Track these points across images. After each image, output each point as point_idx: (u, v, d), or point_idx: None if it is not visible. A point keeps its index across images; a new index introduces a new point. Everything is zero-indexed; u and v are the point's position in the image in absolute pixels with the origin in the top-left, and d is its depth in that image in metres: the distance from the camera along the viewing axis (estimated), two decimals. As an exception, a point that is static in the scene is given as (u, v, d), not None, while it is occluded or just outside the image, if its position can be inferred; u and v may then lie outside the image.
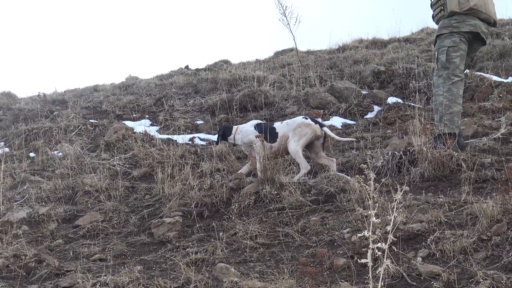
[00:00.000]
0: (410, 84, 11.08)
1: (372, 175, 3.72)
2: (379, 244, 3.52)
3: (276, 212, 5.96)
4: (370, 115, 10.24)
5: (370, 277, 3.55)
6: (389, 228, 3.61)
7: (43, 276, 4.88)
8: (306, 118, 7.06)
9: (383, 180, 4.31)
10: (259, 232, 5.52)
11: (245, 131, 7.31)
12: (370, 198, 3.65)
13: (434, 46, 7.23)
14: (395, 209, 3.66)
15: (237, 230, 5.63)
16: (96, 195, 7.17)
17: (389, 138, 8.36)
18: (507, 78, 11.02)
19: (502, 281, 3.81)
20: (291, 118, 7.89)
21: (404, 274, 4.23)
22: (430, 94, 10.00)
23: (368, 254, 3.54)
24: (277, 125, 7.21)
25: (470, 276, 4.03)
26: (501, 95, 9.66)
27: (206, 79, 13.48)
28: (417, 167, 6.33)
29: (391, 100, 10.65)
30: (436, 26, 7.36)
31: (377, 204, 4.10)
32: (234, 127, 7.54)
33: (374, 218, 3.65)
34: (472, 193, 5.44)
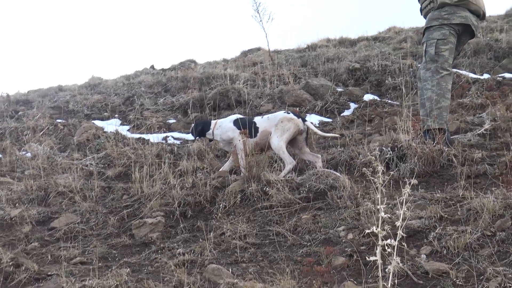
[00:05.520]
0: (386, 81, 10.96)
1: (380, 168, 3.54)
2: (388, 241, 3.34)
3: (264, 210, 5.73)
4: (347, 113, 10.06)
5: (380, 275, 3.37)
6: (398, 223, 3.43)
7: (22, 281, 4.59)
8: (288, 113, 6.84)
9: (392, 172, 4.12)
10: (248, 232, 5.28)
11: (224, 126, 7.04)
12: (378, 192, 3.47)
13: (422, 38, 7.05)
14: (404, 203, 3.48)
15: (224, 229, 5.37)
16: (71, 196, 6.84)
17: (370, 135, 8.18)
18: (482, 75, 10.98)
19: (513, 278, 3.65)
20: (266, 114, 7.67)
21: (409, 272, 4.04)
22: (407, 91, 9.90)
23: (377, 251, 3.37)
24: (257, 119, 6.96)
25: (479, 273, 3.86)
26: (478, 92, 9.59)
27: (176, 77, 13.20)
28: (406, 163, 6.16)
29: (368, 97, 10.51)
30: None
31: (385, 198, 3.91)
32: (213, 122, 7.25)
33: (383, 213, 3.46)
34: (465, 188, 5.30)
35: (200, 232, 5.51)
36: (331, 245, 4.72)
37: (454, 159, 6.07)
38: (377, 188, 3.49)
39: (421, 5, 7.08)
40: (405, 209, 3.52)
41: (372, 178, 3.53)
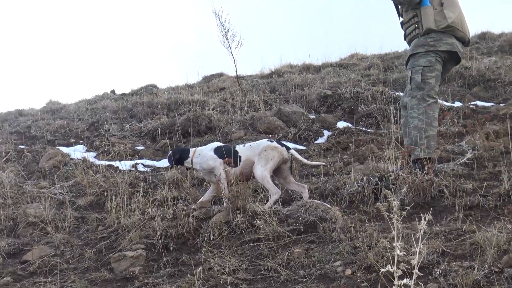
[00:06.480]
0: (359, 108, 10.82)
1: (396, 203, 3.34)
2: (405, 281, 3.15)
3: (252, 243, 5.44)
4: (321, 140, 9.88)
5: (398, 319, 3.15)
6: (414, 261, 3.25)
7: (-1, 321, 4.26)
8: (272, 141, 6.62)
9: (408, 208, 3.91)
10: (238, 266, 4.99)
11: (205, 155, 6.76)
12: (394, 228, 3.27)
13: (406, 65, 6.91)
14: (420, 240, 3.29)
15: (212, 264, 5.06)
16: (42, 226, 6.50)
17: (349, 163, 7.98)
18: (453, 102, 10.95)
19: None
20: (247, 142, 7.45)
21: (420, 312, 3.81)
22: (381, 118, 9.78)
23: (393, 292, 3.16)
24: (239, 148, 6.72)
25: (493, 313, 3.66)
26: (454, 120, 9.53)
27: (142, 103, 12.87)
28: (396, 194, 5.94)
29: (341, 124, 10.36)
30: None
31: (401, 234, 3.69)
32: (192, 150, 6.95)
33: (399, 251, 3.26)
34: (463, 221, 5.11)
35: (185, 266, 5.23)
36: (329, 281, 4.49)
37: (445, 190, 5.89)
38: (393, 224, 3.30)
39: (405, 31, 6.95)
40: (421, 246, 3.35)
41: (387, 213, 3.34)
